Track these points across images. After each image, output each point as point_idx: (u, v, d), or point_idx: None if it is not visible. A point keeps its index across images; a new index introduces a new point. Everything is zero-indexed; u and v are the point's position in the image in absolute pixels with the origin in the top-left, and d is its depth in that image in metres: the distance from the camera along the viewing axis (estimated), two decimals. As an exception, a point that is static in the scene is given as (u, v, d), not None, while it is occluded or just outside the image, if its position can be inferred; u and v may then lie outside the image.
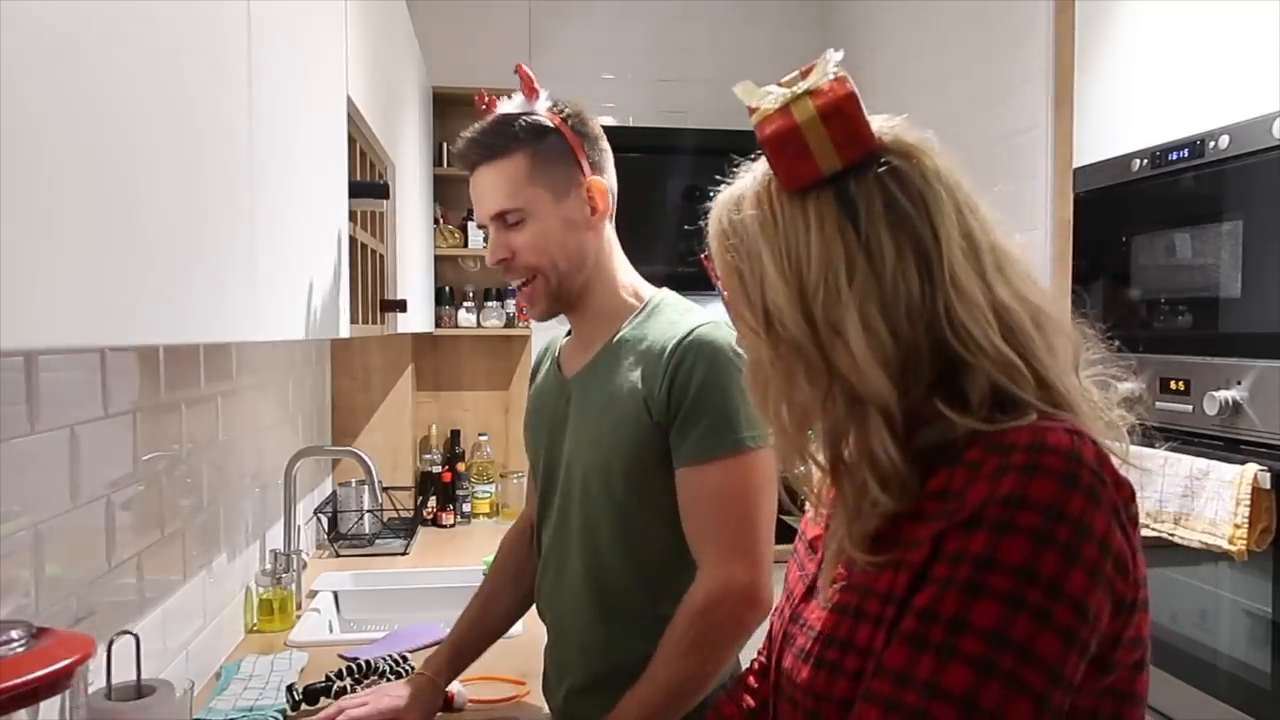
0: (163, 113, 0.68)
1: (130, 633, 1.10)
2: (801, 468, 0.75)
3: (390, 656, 1.61)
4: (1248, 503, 1.39)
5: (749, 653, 1.13)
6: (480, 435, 3.14)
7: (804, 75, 0.70)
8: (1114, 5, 1.84)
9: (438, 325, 3.09)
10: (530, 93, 1.25)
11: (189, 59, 0.74)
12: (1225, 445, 1.51)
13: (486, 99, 1.29)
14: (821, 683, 0.70)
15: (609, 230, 1.27)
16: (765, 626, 0.97)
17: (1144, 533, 1.51)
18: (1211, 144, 1.52)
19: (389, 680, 1.52)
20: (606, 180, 1.25)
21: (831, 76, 0.69)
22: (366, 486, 2.44)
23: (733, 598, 1.12)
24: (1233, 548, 1.41)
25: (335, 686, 1.48)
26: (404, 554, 2.53)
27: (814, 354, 0.68)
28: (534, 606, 1.42)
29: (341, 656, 1.71)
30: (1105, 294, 1.82)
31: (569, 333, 1.37)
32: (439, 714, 1.40)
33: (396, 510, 2.83)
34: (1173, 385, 1.61)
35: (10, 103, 0.47)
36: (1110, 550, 0.61)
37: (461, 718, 1.46)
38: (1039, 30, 2.09)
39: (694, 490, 1.15)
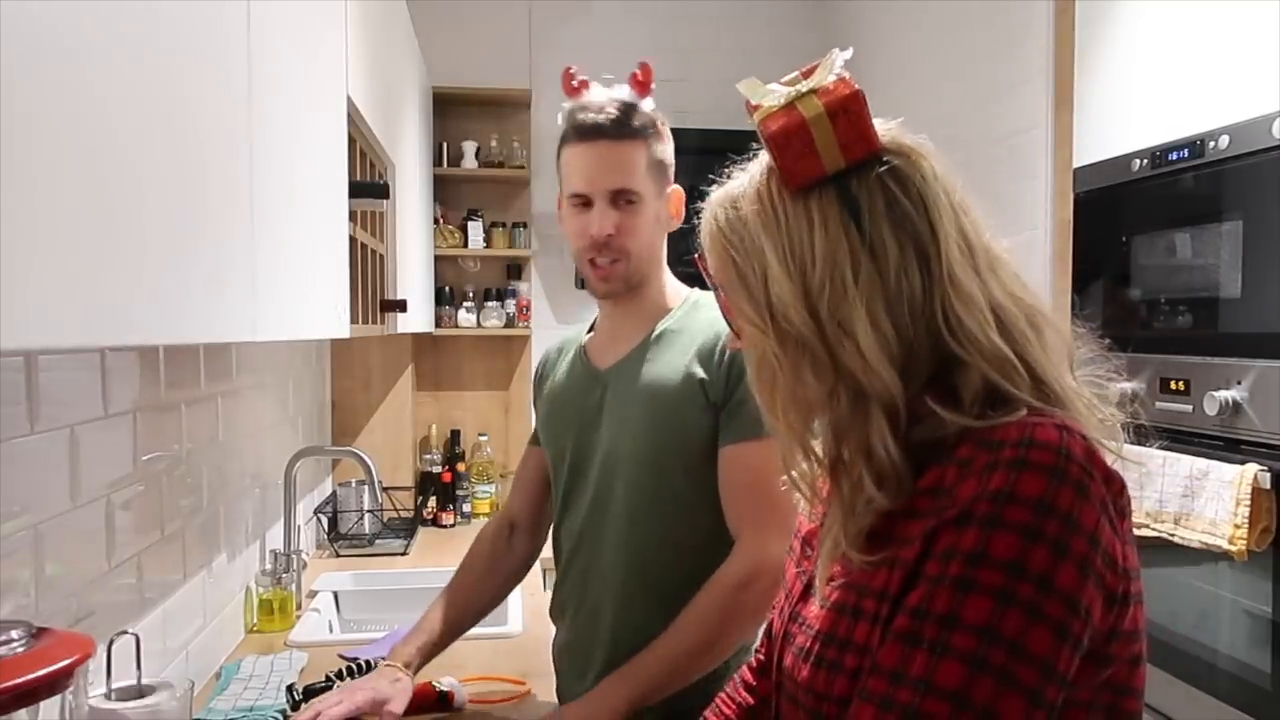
0: (162, 113, 0.69)
1: (130, 633, 1.11)
2: (804, 464, 0.75)
3: (395, 648, 1.60)
4: (1248, 503, 1.39)
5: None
6: (480, 435, 3.14)
7: (805, 75, 0.71)
8: (1114, 5, 1.84)
9: (438, 325, 3.09)
10: (644, 90, 1.28)
11: (189, 59, 0.74)
12: (1225, 445, 1.51)
13: (578, 78, 1.30)
14: (821, 681, 0.70)
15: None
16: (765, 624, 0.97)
17: (1144, 533, 1.52)
18: (1211, 144, 1.52)
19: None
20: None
21: (836, 75, 0.70)
22: (366, 486, 2.45)
23: (768, 573, 1.16)
24: (1233, 548, 1.40)
25: (335, 686, 1.48)
26: (404, 554, 2.53)
27: (820, 350, 0.69)
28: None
29: (341, 656, 1.71)
30: (1105, 294, 1.82)
31: (590, 329, 1.41)
32: (439, 714, 1.41)
33: (396, 510, 2.83)
34: (1173, 385, 1.61)
35: (9, 102, 0.47)
36: (1099, 544, 0.61)
37: (461, 718, 1.46)
38: (1039, 30, 2.09)
39: (739, 466, 1.21)
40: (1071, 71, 1.97)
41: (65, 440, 1.12)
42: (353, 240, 1.58)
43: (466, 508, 3.00)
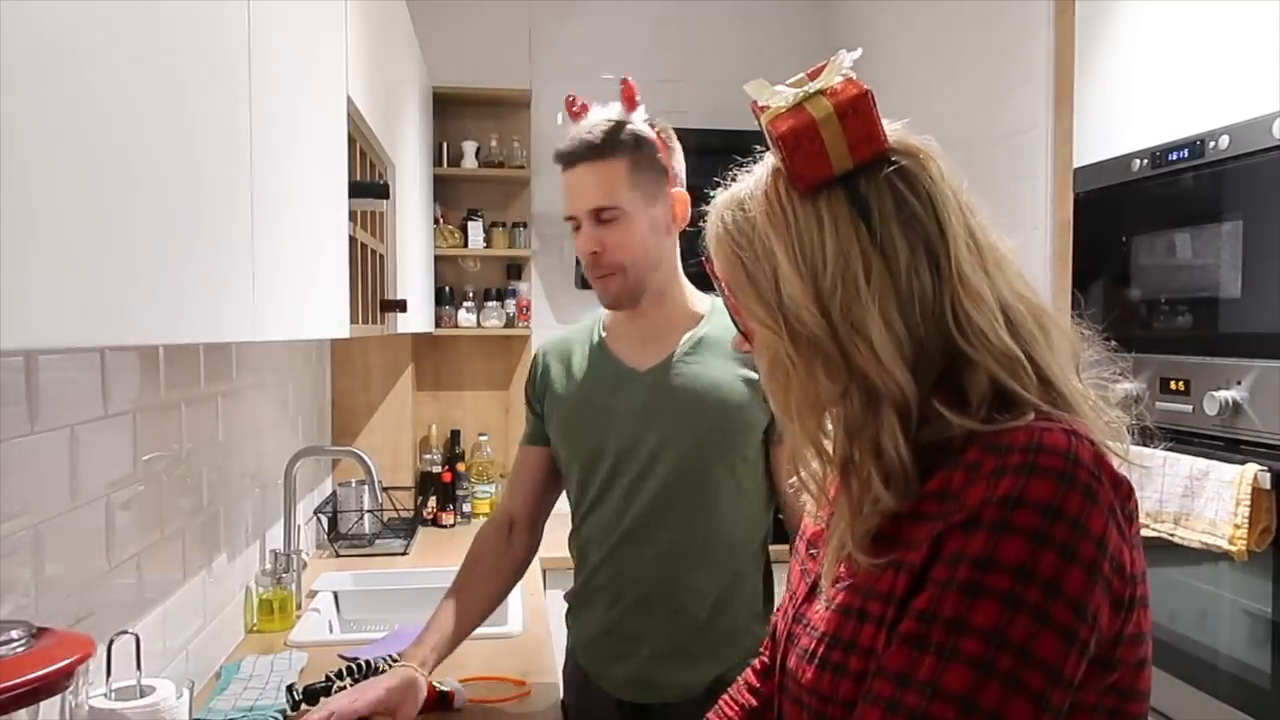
0: (162, 113, 0.69)
1: (130, 633, 1.11)
2: (815, 464, 0.75)
3: (390, 656, 1.60)
4: (1248, 503, 1.39)
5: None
6: (480, 435, 3.14)
7: (812, 76, 0.71)
8: (1114, 5, 1.84)
9: (438, 325, 3.09)
10: (631, 104, 1.37)
11: (189, 59, 0.74)
12: (1225, 445, 1.51)
13: (578, 103, 1.40)
14: (826, 683, 0.70)
15: (676, 237, 1.40)
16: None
17: (1144, 533, 1.52)
18: (1211, 144, 1.52)
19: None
20: (686, 192, 1.38)
21: (844, 76, 0.70)
22: (366, 486, 2.44)
23: None
24: (1233, 548, 1.41)
25: (335, 686, 1.48)
26: (404, 554, 2.53)
27: (833, 350, 0.69)
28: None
29: (341, 656, 1.71)
30: (1105, 294, 1.82)
31: (602, 329, 1.45)
32: (439, 714, 1.41)
33: (396, 510, 2.83)
34: (1173, 385, 1.61)
35: (9, 102, 0.47)
36: (1107, 549, 0.61)
37: (461, 718, 1.46)
38: (1039, 30, 2.09)
39: None
40: (1071, 71, 1.97)
41: (65, 440, 1.12)
42: (353, 240, 1.58)
43: (466, 508, 3.00)
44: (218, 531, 1.72)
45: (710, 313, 1.40)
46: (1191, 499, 1.50)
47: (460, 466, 3.05)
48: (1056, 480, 0.61)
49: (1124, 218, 1.76)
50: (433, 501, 2.96)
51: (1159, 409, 1.62)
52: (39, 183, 0.51)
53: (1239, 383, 1.48)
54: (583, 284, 2.92)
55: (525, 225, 3.21)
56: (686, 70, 3.28)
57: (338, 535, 2.61)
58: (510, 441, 3.22)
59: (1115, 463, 0.65)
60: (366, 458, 2.14)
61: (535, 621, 1.94)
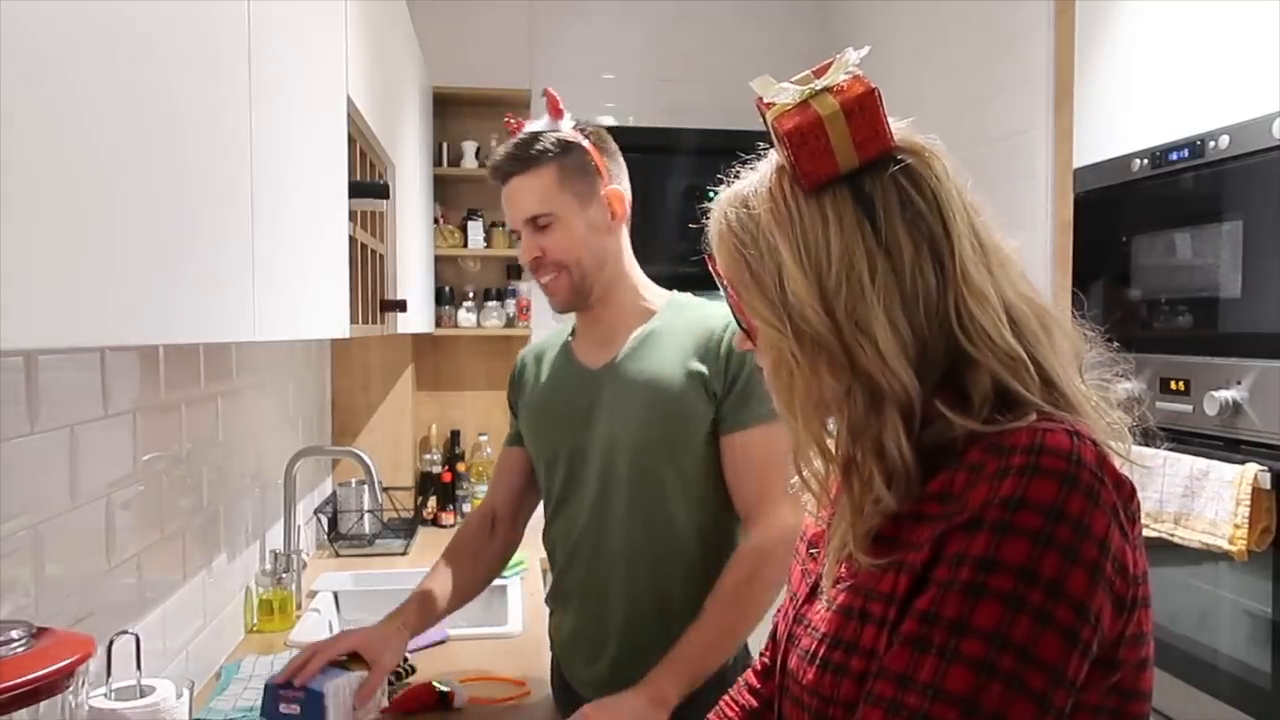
0: (162, 112, 0.69)
1: (130, 633, 1.11)
2: (818, 463, 0.74)
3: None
4: (1248, 503, 1.39)
5: (755, 652, 1.13)
6: (480, 435, 3.14)
7: (818, 74, 0.71)
8: (1114, 5, 1.84)
9: (438, 325, 3.09)
10: (556, 113, 1.40)
11: (189, 59, 0.74)
12: (1225, 445, 1.51)
13: (514, 121, 1.44)
14: (827, 684, 0.70)
15: (625, 234, 1.42)
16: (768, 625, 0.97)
17: (1144, 533, 1.52)
18: (1211, 144, 1.52)
19: (390, 682, 1.52)
20: (623, 189, 1.40)
21: (850, 73, 0.69)
22: (366, 486, 2.44)
23: (786, 540, 1.24)
24: (1233, 548, 1.41)
25: (335, 686, 1.47)
26: (404, 554, 2.53)
27: (837, 349, 0.69)
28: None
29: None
30: (1105, 294, 1.82)
31: (571, 333, 1.47)
32: (439, 714, 1.41)
33: (396, 510, 2.83)
34: (1173, 385, 1.61)
35: (9, 102, 0.47)
36: (1110, 550, 0.61)
37: (461, 718, 1.46)
38: (1039, 30, 2.09)
39: (745, 452, 1.30)
40: (1071, 71, 1.97)
41: (65, 440, 1.12)
42: (353, 240, 1.58)
43: (466, 507, 3.00)
44: (218, 531, 1.72)
45: (665, 308, 1.41)
46: (1191, 499, 1.50)
47: (460, 466, 3.05)
48: (1059, 481, 0.61)
49: (1124, 218, 1.76)
50: (433, 501, 2.96)
51: (1159, 409, 1.61)
52: (38, 183, 0.51)
53: (1239, 383, 1.48)
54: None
55: (525, 225, 3.20)
56: (686, 70, 3.28)
57: (338, 535, 2.61)
58: (510, 441, 3.22)
59: (1117, 463, 0.65)
60: (366, 458, 2.14)
61: (535, 621, 1.94)
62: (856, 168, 0.69)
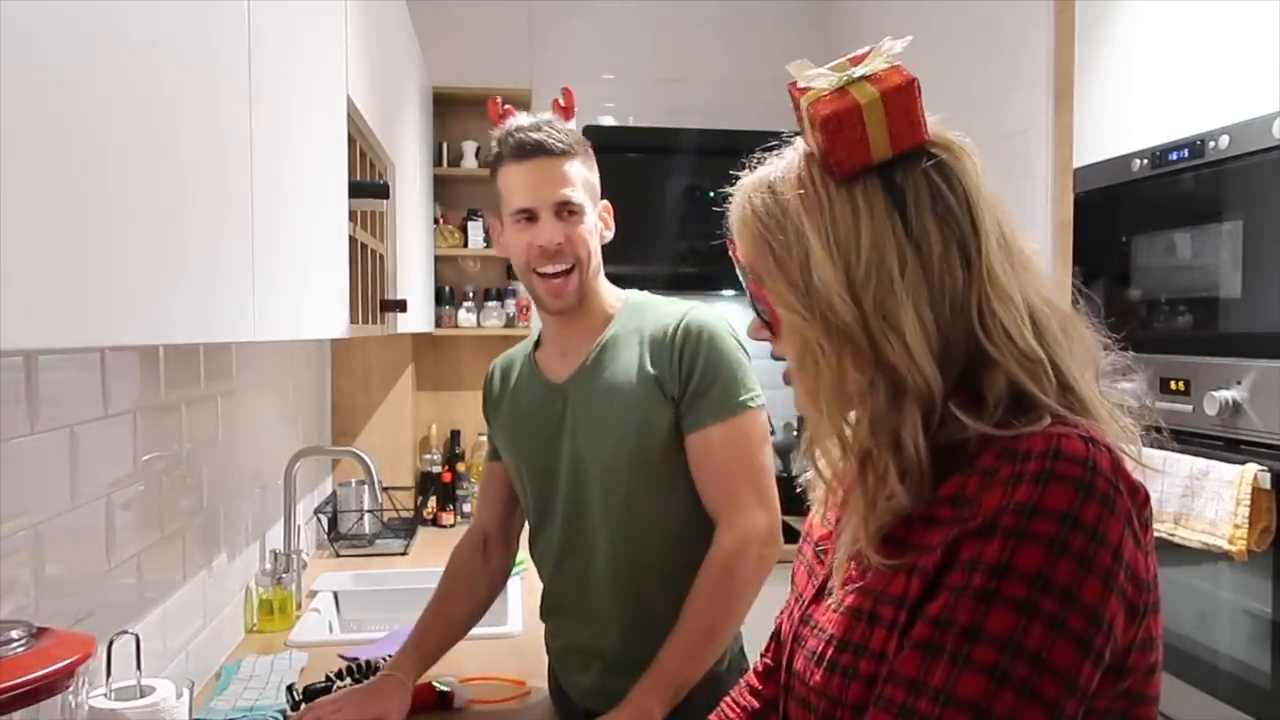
0: (162, 112, 0.69)
1: (130, 633, 1.11)
2: (836, 454, 0.73)
3: (390, 657, 1.61)
4: (1248, 503, 1.39)
5: (752, 655, 1.13)
6: (480, 435, 3.14)
7: (854, 62, 0.70)
8: (1114, 5, 1.84)
9: (438, 325, 3.09)
10: (568, 114, 1.39)
11: (189, 59, 0.74)
12: (1225, 445, 1.51)
13: (504, 107, 1.40)
14: (835, 686, 0.70)
15: None
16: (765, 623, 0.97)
17: (1144, 533, 1.52)
18: (1211, 144, 1.52)
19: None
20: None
21: (889, 63, 0.69)
22: (366, 486, 2.44)
23: (758, 540, 1.26)
24: (1233, 548, 1.40)
25: (335, 686, 1.48)
26: (404, 554, 2.53)
27: (862, 341, 0.68)
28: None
29: (341, 656, 1.71)
30: (1105, 294, 1.82)
31: (536, 346, 1.46)
32: (439, 714, 1.41)
33: (396, 510, 2.83)
34: (1173, 385, 1.61)
35: (8, 103, 0.47)
36: (1123, 558, 0.61)
37: (461, 718, 1.46)
38: (1039, 30, 2.09)
39: (708, 450, 1.29)
40: (1071, 71, 1.97)
41: (65, 440, 1.12)
42: (353, 240, 1.58)
43: (466, 508, 3.00)
44: (218, 531, 1.72)
45: (622, 310, 1.39)
46: (1191, 499, 1.50)
47: (460, 466, 3.05)
48: (1075, 488, 0.61)
49: (1124, 218, 1.76)
50: (433, 501, 2.96)
51: (1159, 409, 1.61)
52: (38, 183, 0.51)
53: (1239, 383, 1.48)
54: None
55: (525, 225, 3.20)
56: (686, 70, 3.28)
57: (338, 535, 2.61)
58: (510, 441, 3.22)
59: (1132, 469, 0.65)
60: (366, 458, 2.14)
61: (535, 621, 1.93)
62: (888, 159, 0.68)
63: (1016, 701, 0.58)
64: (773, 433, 1.40)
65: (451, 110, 3.14)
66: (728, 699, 0.97)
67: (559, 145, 1.31)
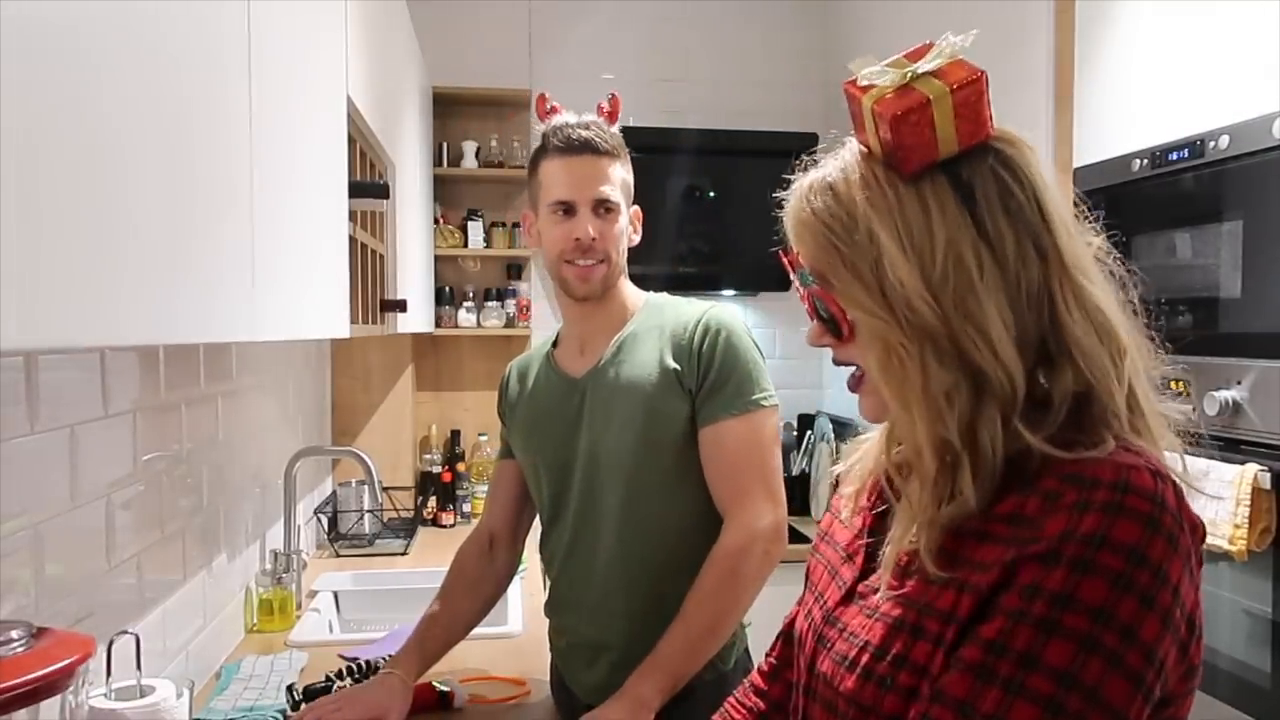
0: (162, 112, 0.68)
1: (130, 633, 1.11)
2: (929, 457, 0.69)
3: (390, 657, 1.61)
4: (1248, 503, 1.39)
5: (757, 655, 1.12)
6: (480, 435, 3.14)
7: (911, 58, 0.69)
8: (1114, 5, 1.84)
9: (438, 325, 3.09)
10: (613, 119, 1.42)
11: (188, 59, 0.74)
12: (1225, 445, 1.51)
13: (550, 104, 1.44)
14: (869, 694, 0.69)
15: None
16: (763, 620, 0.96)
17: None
18: (1211, 144, 1.52)
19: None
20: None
21: (953, 58, 0.68)
22: (366, 486, 2.44)
23: (764, 536, 1.27)
24: (1233, 548, 1.40)
25: (335, 686, 1.48)
26: (404, 554, 2.53)
27: (944, 340, 0.66)
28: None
29: (341, 656, 1.71)
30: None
31: (554, 344, 1.49)
32: (439, 714, 1.40)
33: (396, 510, 2.83)
34: (1173, 385, 1.60)
35: (8, 102, 0.47)
36: (1180, 596, 0.61)
37: (461, 718, 1.46)
38: (1039, 30, 2.08)
39: (720, 445, 1.31)
40: (1071, 71, 1.97)
41: (65, 440, 1.12)
42: (353, 240, 1.58)
43: (466, 507, 3.00)
44: (218, 531, 1.72)
45: (641, 308, 1.43)
46: (1191, 499, 1.49)
47: (460, 466, 3.05)
48: (1143, 524, 0.60)
49: (1124, 218, 1.76)
50: (433, 501, 2.96)
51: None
52: (38, 183, 0.51)
53: (1239, 383, 1.48)
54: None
55: (525, 225, 3.20)
56: (686, 70, 3.28)
57: (338, 535, 2.61)
58: (510, 441, 3.21)
59: (1186, 494, 0.64)
60: (366, 458, 2.14)
61: (535, 621, 1.94)
62: (953, 155, 0.68)
63: None
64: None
65: (451, 110, 3.14)
66: (732, 699, 0.97)
67: (604, 145, 1.36)
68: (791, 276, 0.76)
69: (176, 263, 0.72)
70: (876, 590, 0.72)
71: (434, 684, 1.46)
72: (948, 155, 0.67)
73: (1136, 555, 0.59)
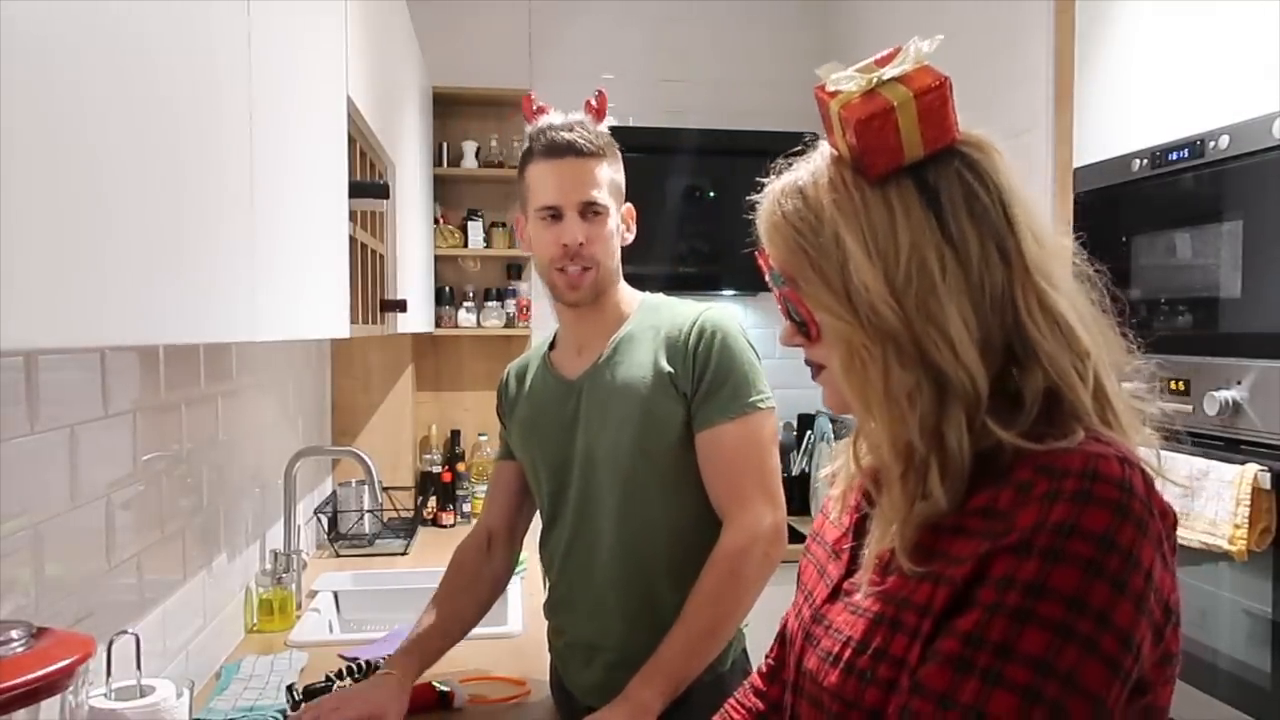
0: (162, 112, 0.68)
1: (130, 633, 1.11)
2: (890, 458, 0.71)
3: (388, 657, 1.60)
4: (1248, 503, 1.39)
5: (756, 656, 1.12)
6: (480, 435, 3.14)
7: (880, 64, 0.69)
8: (1114, 5, 1.84)
9: (438, 325, 3.09)
10: (600, 116, 1.40)
11: (188, 59, 0.74)
12: (1225, 445, 1.51)
13: (537, 104, 1.42)
14: (851, 689, 0.69)
15: None
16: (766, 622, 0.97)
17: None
18: (1211, 144, 1.52)
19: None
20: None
21: (918, 64, 0.69)
22: (366, 486, 2.44)
23: (764, 538, 1.27)
24: (1233, 548, 1.41)
25: (335, 686, 1.48)
26: (404, 554, 2.53)
27: (907, 342, 0.67)
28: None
29: (341, 656, 1.71)
30: (1105, 294, 1.82)
31: (551, 345, 1.48)
32: (439, 714, 1.40)
33: (396, 510, 2.83)
34: (1173, 385, 1.61)
35: (8, 103, 0.47)
36: (1153, 581, 0.61)
37: (461, 718, 1.46)
38: (1039, 30, 2.08)
39: (717, 448, 1.31)
40: (1071, 71, 1.97)
41: (65, 440, 1.12)
42: (353, 240, 1.58)
43: (466, 507, 3.00)
44: (218, 531, 1.72)
45: (638, 309, 1.42)
46: (1191, 499, 1.50)
47: (460, 466, 3.04)
48: (1112, 511, 0.61)
49: (1124, 218, 1.76)
50: (433, 501, 2.96)
51: (1158, 409, 1.61)
52: (38, 183, 0.51)
53: (1239, 383, 1.48)
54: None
55: (525, 225, 3.20)
56: (686, 70, 3.28)
57: (338, 535, 2.61)
58: (510, 441, 3.21)
59: (1159, 485, 0.65)
60: (366, 458, 2.14)
61: (535, 621, 1.94)
62: (920, 159, 0.68)
63: None
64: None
65: (451, 110, 3.14)
66: (732, 700, 0.97)
67: (589, 146, 1.33)
68: (766, 277, 0.77)
69: (176, 263, 0.72)
70: (860, 587, 0.73)
71: (434, 684, 1.46)
72: (913, 159, 0.68)
73: (1106, 541, 0.60)
